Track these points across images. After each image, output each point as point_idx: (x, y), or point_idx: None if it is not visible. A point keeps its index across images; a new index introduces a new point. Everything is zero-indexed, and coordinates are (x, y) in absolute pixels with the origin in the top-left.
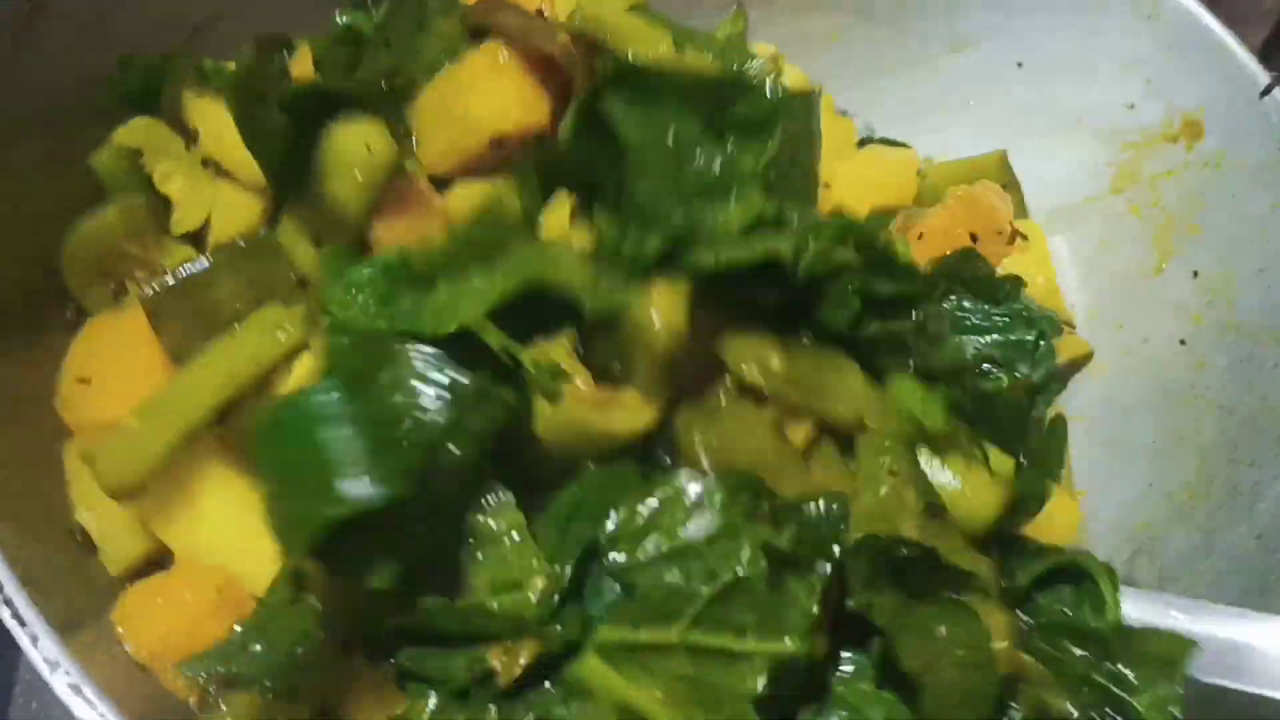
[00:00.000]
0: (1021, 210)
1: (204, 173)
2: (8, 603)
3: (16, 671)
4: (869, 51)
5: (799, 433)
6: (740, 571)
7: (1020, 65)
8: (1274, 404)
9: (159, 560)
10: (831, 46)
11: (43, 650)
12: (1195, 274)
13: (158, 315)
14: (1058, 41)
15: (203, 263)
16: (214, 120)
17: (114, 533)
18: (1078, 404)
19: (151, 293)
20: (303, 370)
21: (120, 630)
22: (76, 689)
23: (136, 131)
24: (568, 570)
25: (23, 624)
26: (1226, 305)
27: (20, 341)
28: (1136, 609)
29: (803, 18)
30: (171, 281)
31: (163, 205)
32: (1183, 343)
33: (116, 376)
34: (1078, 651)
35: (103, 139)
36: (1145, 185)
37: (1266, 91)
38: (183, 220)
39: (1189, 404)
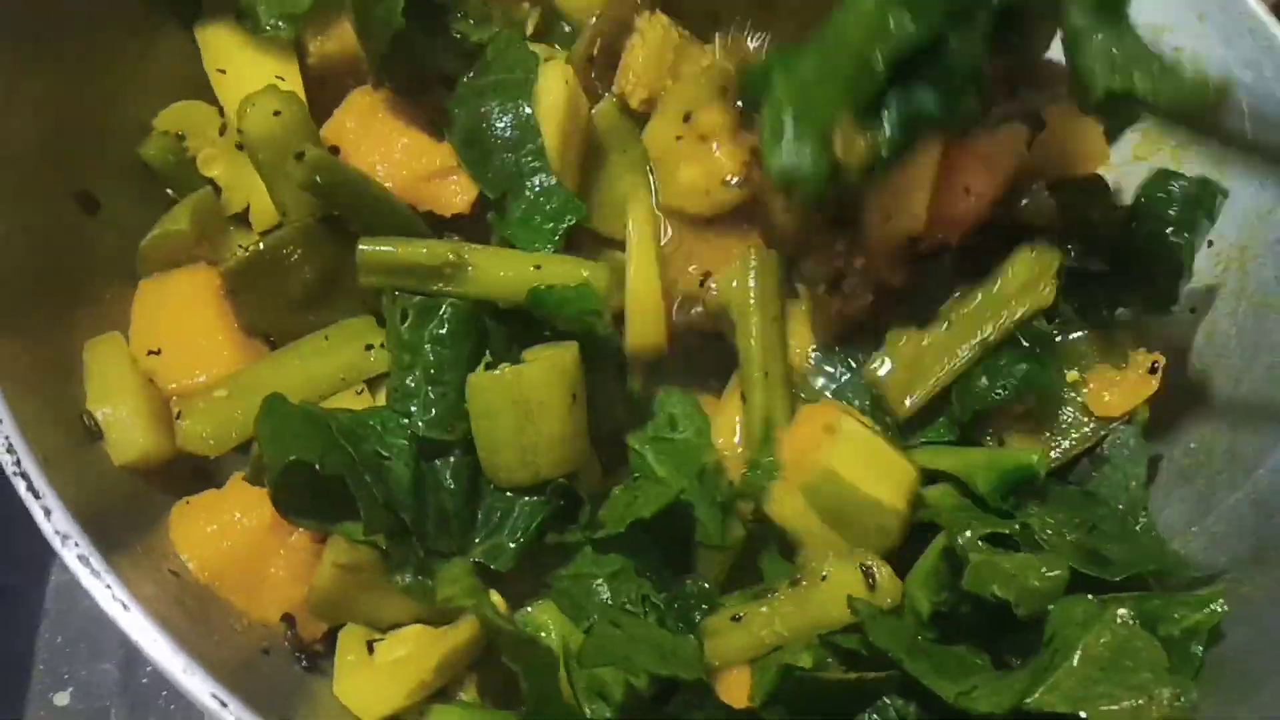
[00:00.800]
0: None
1: (242, 155)
2: (24, 476)
3: (43, 607)
4: None
5: None
6: None
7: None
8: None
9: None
10: None
11: (55, 523)
12: (1210, 243)
13: (234, 290)
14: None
15: (279, 240)
16: (239, 91)
17: (123, 427)
18: None
19: (228, 267)
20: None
21: (182, 555)
22: (84, 560)
23: (177, 115)
24: None
25: (37, 496)
26: (1239, 274)
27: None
28: None
29: None
30: (248, 255)
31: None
32: (1193, 310)
33: (186, 345)
34: None
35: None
36: (1166, 154)
37: None
38: (231, 201)
39: (1196, 371)
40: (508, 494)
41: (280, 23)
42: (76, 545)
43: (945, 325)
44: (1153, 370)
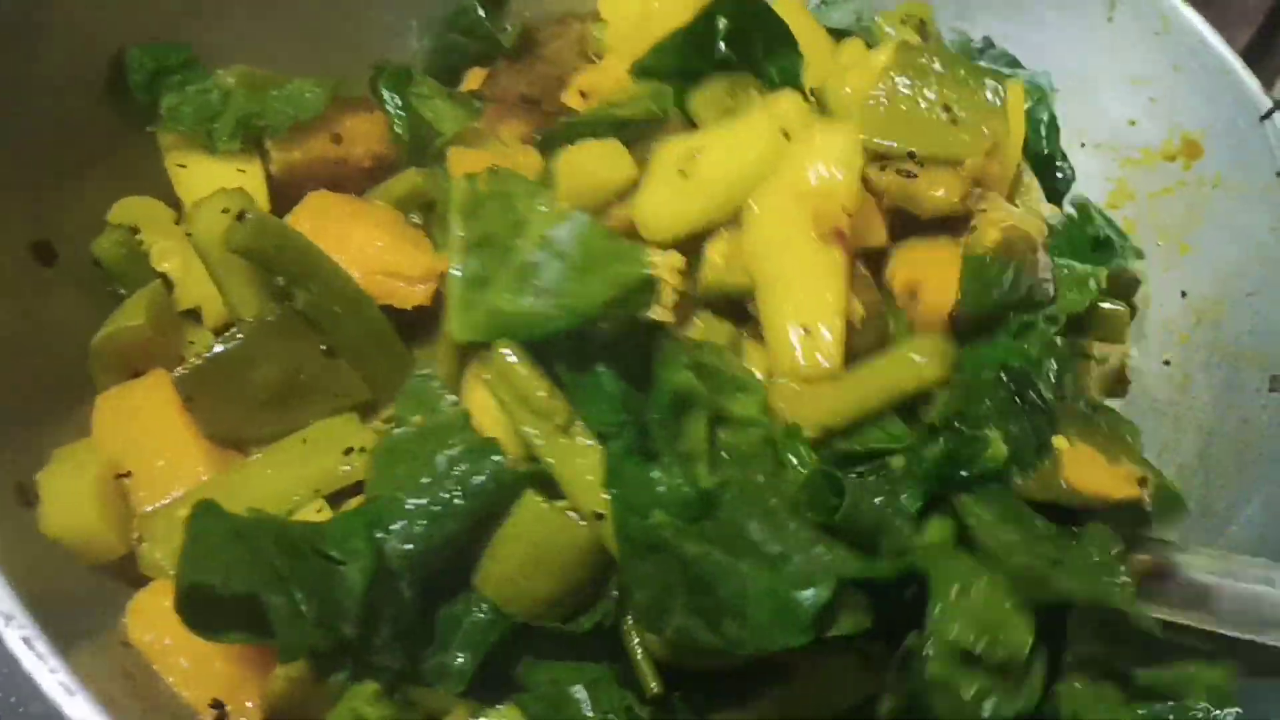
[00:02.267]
0: None
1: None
2: None
3: None
4: None
5: None
6: None
7: None
8: (1253, 427)
9: None
10: None
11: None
12: (1184, 294)
13: (190, 397)
14: (1065, 54)
15: (233, 341)
16: (199, 187)
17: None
18: None
19: (182, 373)
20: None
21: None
22: (28, 642)
23: (130, 209)
24: None
25: None
26: (1213, 327)
27: None
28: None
29: None
30: (200, 362)
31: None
32: (1167, 363)
33: (155, 464)
34: None
35: None
36: (1141, 202)
37: (1268, 115)
38: (183, 298)
39: (1170, 423)
40: (465, 608)
41: (238, 145)
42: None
43: None
44: (1141, 483)
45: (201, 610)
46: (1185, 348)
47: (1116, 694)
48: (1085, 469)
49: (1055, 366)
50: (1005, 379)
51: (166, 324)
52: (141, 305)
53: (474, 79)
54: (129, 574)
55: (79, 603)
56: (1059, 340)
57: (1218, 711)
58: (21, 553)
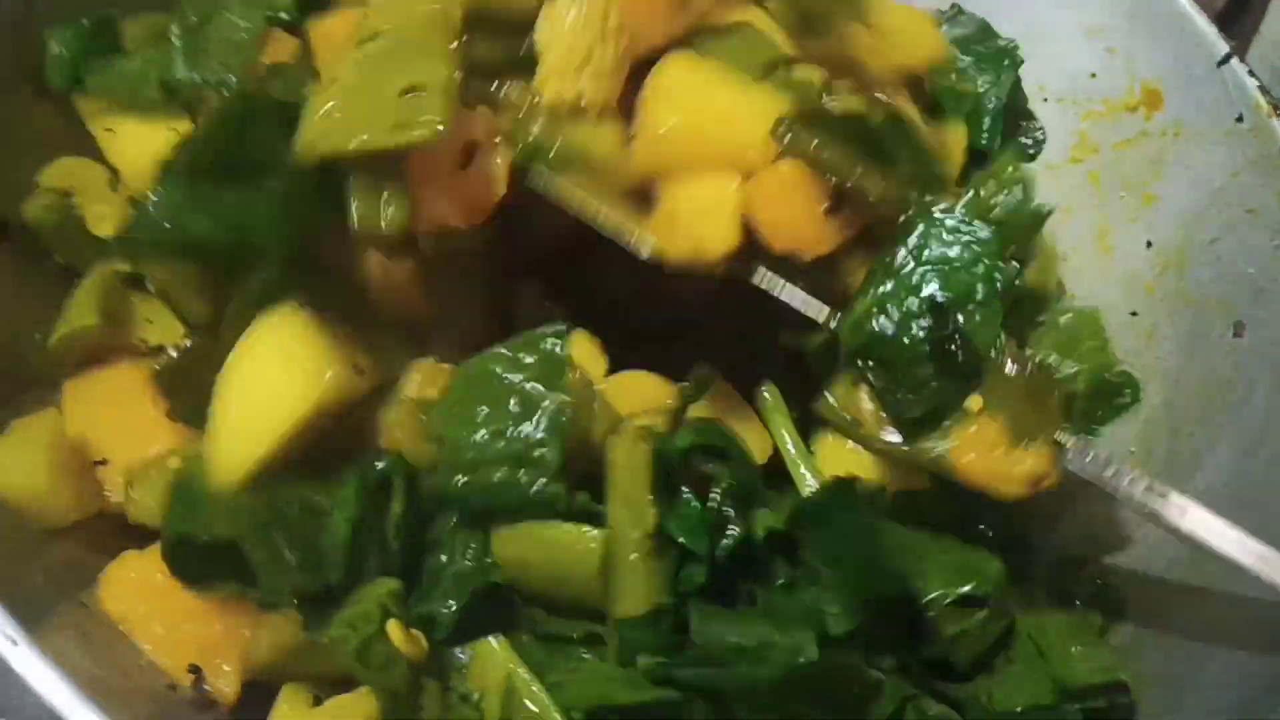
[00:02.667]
0: None
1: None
2: None
3: None
4: None
5: None
6: None
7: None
8: (1218, 374)
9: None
10: None
11: None
12: (1149, 244)
13: (170, 390)
14: (1022, 8)
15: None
16: (129, 150)
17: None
18: None
19: (159, 369)
20: None
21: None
22: None
23: (62, 172)
24: None
25: None
26: (1177, 275)
27: None
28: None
29: None
30: (175, 355)
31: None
32: (1134, 314)
33: (130, 448)
34: None
35: None
36: (1104, 154)
37: (1224, 61)
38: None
39: (1138, 374)
40: (448, 557)
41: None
42: None
43: None
44: (1034, 483)
45: (187, 561)
46: (1151, 298)
47: None
48: (979, 455)
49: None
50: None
51: (117, 310)
52: (91, 300)
53: None
54: (96, 545)
55: (42, 572)
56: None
57: None
58: None
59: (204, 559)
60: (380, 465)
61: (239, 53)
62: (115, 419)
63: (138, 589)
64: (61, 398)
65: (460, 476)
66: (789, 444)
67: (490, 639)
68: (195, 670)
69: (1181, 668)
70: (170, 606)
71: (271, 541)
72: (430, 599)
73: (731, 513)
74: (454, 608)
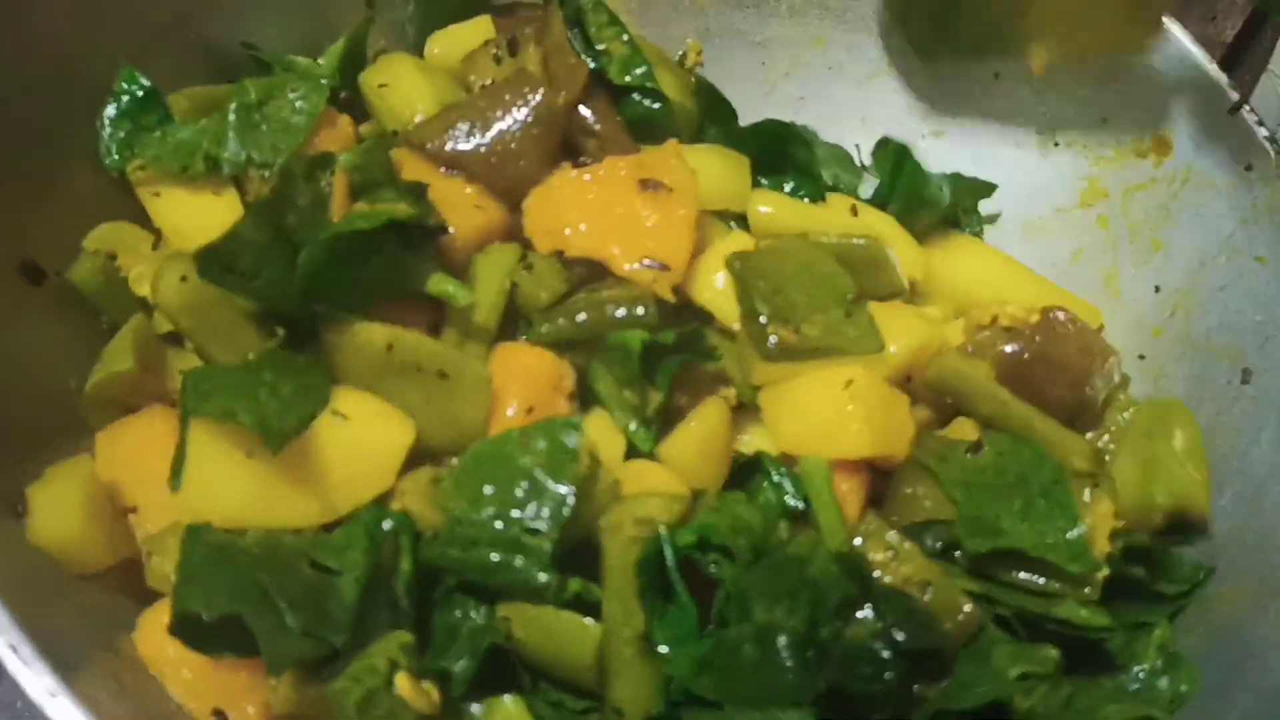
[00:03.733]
0: None
1: None
2: None
3: None
4: (848, 59)
5: None
6: None
7: (997, 76)
8: (1224, 419)
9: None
10: (810, 57)
11: None
12: (1157, 289)
13: None
14: None
15: None
16: (174, 214)
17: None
18: None
19: None
20: None
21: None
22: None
23: (106, 235)
24: None
25: None
26: (1185, 320)
27: None
28: None
29: (770, 26)
30: None
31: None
32: (1141, 357)
33: (158, 498)
34: None
35: None
36: (1114, 200)
37: (1235, 109)
38: (161, 322)
39: None
40: (462, 613)
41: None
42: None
43: None
44: None
45: (194, 633)
46: (1158, 341)
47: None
48: None
49: None
50: None
51: (153, 359)
52: (128, 347)
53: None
54: (128, 589)
55: (76, 617)
56: None
57: None
58: (12, 565)
59: (211, 631)
60: (387, 526)
61: (291, 135)
62: (146, 466)
63: (167, 635)
64: (95, 444)
65: (457, 551)
66: None
67: (505, 697)
68: (219, 714)
69: None
70: (194, 654)
71: (275, 607)
72: (445, 654)
73: (735, 614)
74: (469, 662)
